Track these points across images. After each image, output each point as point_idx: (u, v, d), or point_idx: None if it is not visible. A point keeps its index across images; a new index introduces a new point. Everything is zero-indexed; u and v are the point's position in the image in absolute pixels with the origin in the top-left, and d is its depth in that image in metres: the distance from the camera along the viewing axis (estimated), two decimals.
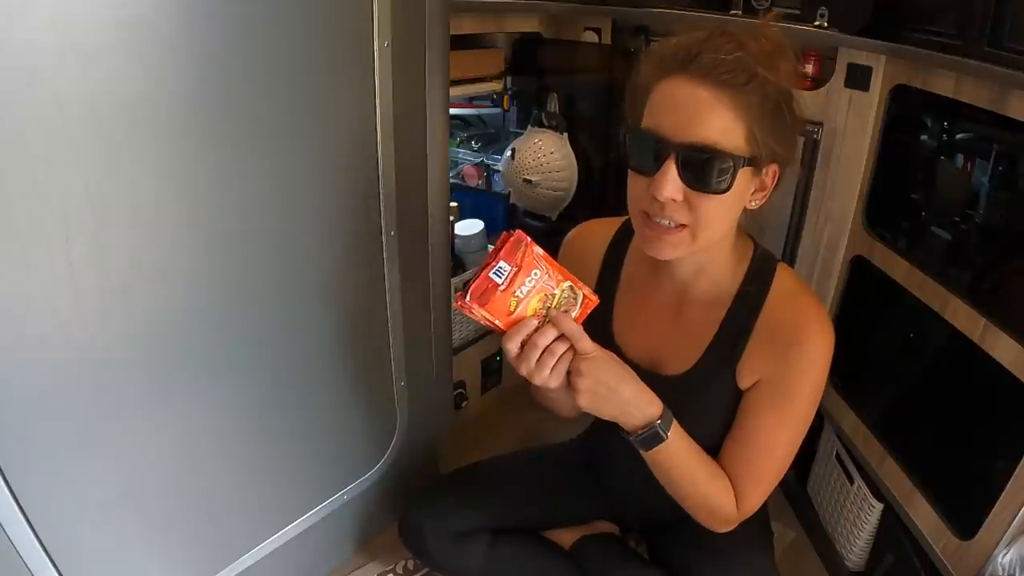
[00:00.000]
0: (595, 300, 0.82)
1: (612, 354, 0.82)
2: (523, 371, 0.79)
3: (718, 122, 0.73)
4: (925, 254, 1.24)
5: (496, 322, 0.77)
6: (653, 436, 0.83)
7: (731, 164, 0.73)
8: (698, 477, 0.88)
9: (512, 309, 0.77)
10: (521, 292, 0.76)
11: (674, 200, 0.75)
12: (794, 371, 0.84)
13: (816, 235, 1.36)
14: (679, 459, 0.86)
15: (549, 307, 0.79)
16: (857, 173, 1.27)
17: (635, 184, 0.80)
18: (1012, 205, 1.16)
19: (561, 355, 0.79)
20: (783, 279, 0.88)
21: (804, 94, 1.32)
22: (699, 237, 0.79)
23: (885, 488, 1.15)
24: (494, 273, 0.75)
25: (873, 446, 1.18)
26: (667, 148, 0.74)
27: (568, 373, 0.80)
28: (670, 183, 0.74)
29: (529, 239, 0.77)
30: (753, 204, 0.82)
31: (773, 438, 0.87)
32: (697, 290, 0.91)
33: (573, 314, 0.80)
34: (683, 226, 0.78)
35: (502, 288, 0.75)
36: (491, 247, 1.58)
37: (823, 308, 0.88)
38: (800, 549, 1.38)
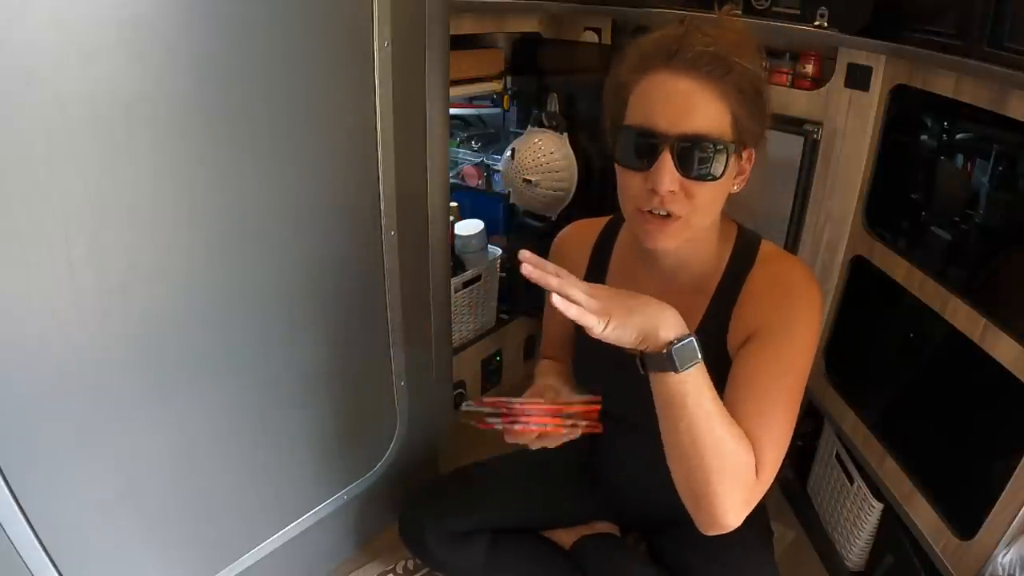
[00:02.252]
0: (597, 430, 0.88)
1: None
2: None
3: (707, 112, 0.76)
4: (925, 254, 1.24)
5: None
6: (688, 348, 0.73)
7: (724, 151, 0.77)
8: (723, 426, 0.77)
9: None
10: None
11: (672, 191, 0.77)
12: (785, 315, 0.83)
13: (816, 235, 1.36)
14: (706, 399, 0.76)
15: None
16: (857, 173, 1.27)
17: (629, 180, 0.81)
18: (1012, 205, 1.16)
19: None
20: (767, 248, 0.91)
21: (804, 94, 1.32)
22: (694, 223, 0.81)
23: (885, 488, 1.15)
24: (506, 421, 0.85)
25: (873, 446, 1.18)
26: (661, 141, 0.76)
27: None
28: (667, 175, 0.76)
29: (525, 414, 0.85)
30: (735, 188, 0.84)
31: (776, 387, 0.81)
32: (682, 279, 0.92)
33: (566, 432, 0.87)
34: (678, 216, 0.80)
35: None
36: (493, 249, 1.58)
37: (806, 268, 0.89)
38: (800, 549, 1.38)
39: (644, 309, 0.74)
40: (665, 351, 0.73)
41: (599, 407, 0.88)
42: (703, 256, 0.91)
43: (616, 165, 0.83)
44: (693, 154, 0.76)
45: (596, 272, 1.02)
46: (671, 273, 0.93)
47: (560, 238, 1.08)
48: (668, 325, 0.74)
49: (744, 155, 0.82)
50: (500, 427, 0.83)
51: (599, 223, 1.05)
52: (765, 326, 0.84)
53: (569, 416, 0.86)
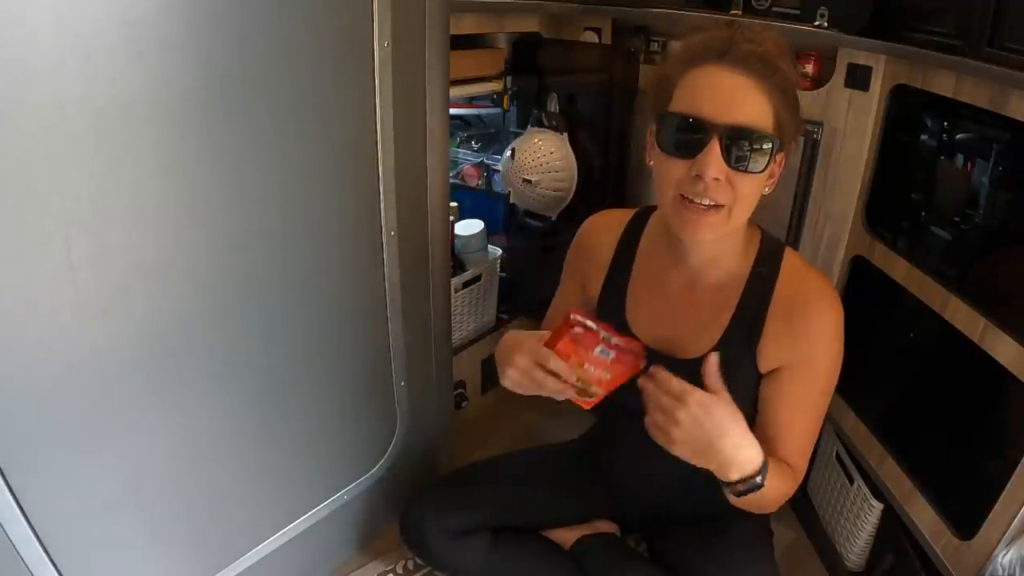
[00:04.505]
0: (586, 407, 0.87)
1: (715, 399, 0.80)
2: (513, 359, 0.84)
3: (755, 106, 0.78)
4: (925, 254, 1.24)
5: (555, 350, 0.83)
6: (751, 488, 0.83)
7: (770, 144, 0.79)
8: (777, 489, 0.88)
9: (570, 362, 0.83)
10: (588, 373, 0.84)
11: (716, 179, 0.79)
12: (813, 351, 0.89)
13: (816, 235, 1.36)
14: (767, 491, 0.85)
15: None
16: (857, 173, 1.27)
17: (672, 167, 0.82)
18: (1012, 205, 1.16)
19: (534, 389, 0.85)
20: (791, 261, 0.92)
21: (804, 94, 1.32)
22: (734, 216, 0.83)
23: (885, 488, 1.15)
24: (601, 349, 0.83)
25: (873, 446, 1.18)
26: (710, 130, 0.78)
27: (660, 417, 0.81)
28: (715, 161, 0.78)
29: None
30: (767, 190, 0.86)
31: (809, 416, 0.93)
32: (709, 275, 0.94)
33: (573, 393, 0.85)
34: (720, 206, 0.82)
35: (591, 358, 0.83)
36: (493, 249, 1.58)
37: (829, 283, 0.93)
38: (800, 549, 1.38)
39: (716, 455, 0.80)
40: (727, 488, 0.84)
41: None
42: (730, 255, 0.92)
43: (657, 153, 0.84)
44: (740, 145, 0.78)
45: (620, 266, 1.02)
46: (697, 270, 0.94)
47: (586, 227, 1.08)
48: (731, 474, 0.82)
49: (778, 158, 0.84)
50: (601, 359, 0.83)
51: (627, 214, 1.05)
52: (799, 359, 0.90)
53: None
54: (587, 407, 0.87)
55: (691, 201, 0.81)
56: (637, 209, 1.04)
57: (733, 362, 0.92)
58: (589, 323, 0.81)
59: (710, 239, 0.85)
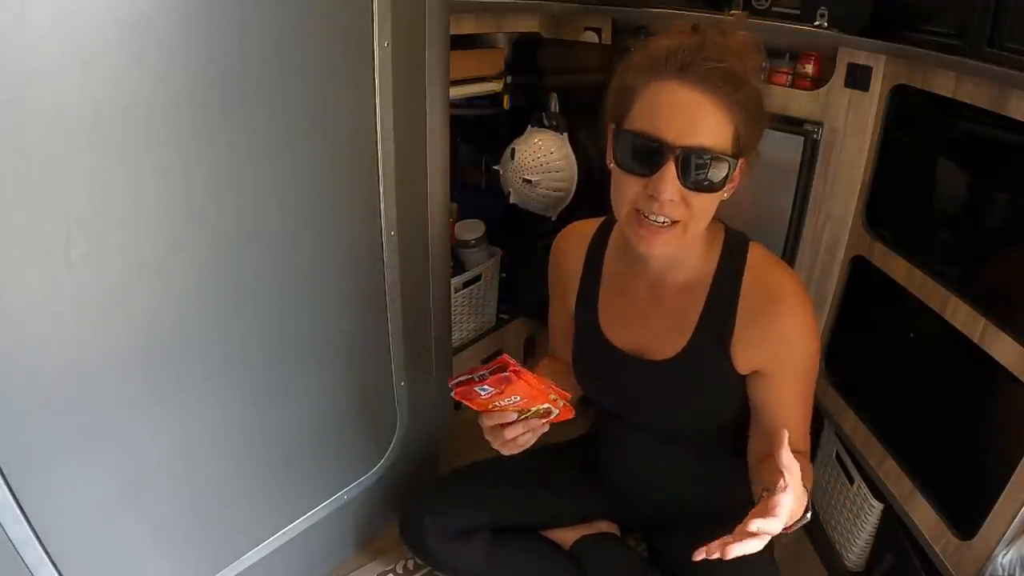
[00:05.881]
0: (570, 415, 0.88)
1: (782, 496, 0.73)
2: (487, 438, 0.90)
3: (713, 126, 0.77)
4: (925, 254, 1.24)
5: (476, 410, 0.87)
6: (801, 523, 0.82)
7: (726, 164, 0.79)
8: (810, 486, 0.88)
9: (491, 409, 0.86)
10: (499, 404, 0.84)
11: (671, 200, 0.79)
12: (790, 352, 0.90)
13: (816, 235, 1.36)
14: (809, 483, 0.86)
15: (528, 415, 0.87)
16: (857, 173, 1.27)
17: (628, 184, 0.82)
18: (1012, 205, 1.16)
19: (523, 442, 0.89)
20: (755, 254, 0.93)
21: (804, 94, 1.32)
22: (690, 230, 0.83)
23: (885, 488, 1.15)
24: (479, 388, 0.81)
25: (873, 446, 1.18)
26: (666, 151, 0.77)
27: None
28: (670, 184, 0.78)
29: (514, 367, 0.79)
30: (725, 195, 0.86)
31: (803, 403, 0.94)
32: (673, 277, 0.95)
33: (542, 422, 0.89)
34: (676, 222, 0.81)
35: (484, 398, 0.83)
36: (493, 249, 1.58)
37: (794, 276, 0.93)
38: (800, 549, 1.38)
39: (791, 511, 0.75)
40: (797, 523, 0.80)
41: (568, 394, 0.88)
42: (693, 257, 0.93)
43: (614, 166, 0.83)
44: (696, 166, 0.77)
45: (590, 277, 1.03)
46: (662, 273, 0.95)
47: (557, 243, 1.09)
48: (795, 515, 0.77)
49: (739, 164, 0.84)
50: (485, 394, 0.82)
51: (593, 225, 1.06)
52: (778, 361, 0.91)
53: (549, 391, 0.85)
54: (568, 415, 0.89)
55: (646, 217, 0.82)
56: (605, 217, 1.05)
57: (707, 360, 0.93)
58: (460, 378, 0.82)
59: (666, 253, 0.85)
